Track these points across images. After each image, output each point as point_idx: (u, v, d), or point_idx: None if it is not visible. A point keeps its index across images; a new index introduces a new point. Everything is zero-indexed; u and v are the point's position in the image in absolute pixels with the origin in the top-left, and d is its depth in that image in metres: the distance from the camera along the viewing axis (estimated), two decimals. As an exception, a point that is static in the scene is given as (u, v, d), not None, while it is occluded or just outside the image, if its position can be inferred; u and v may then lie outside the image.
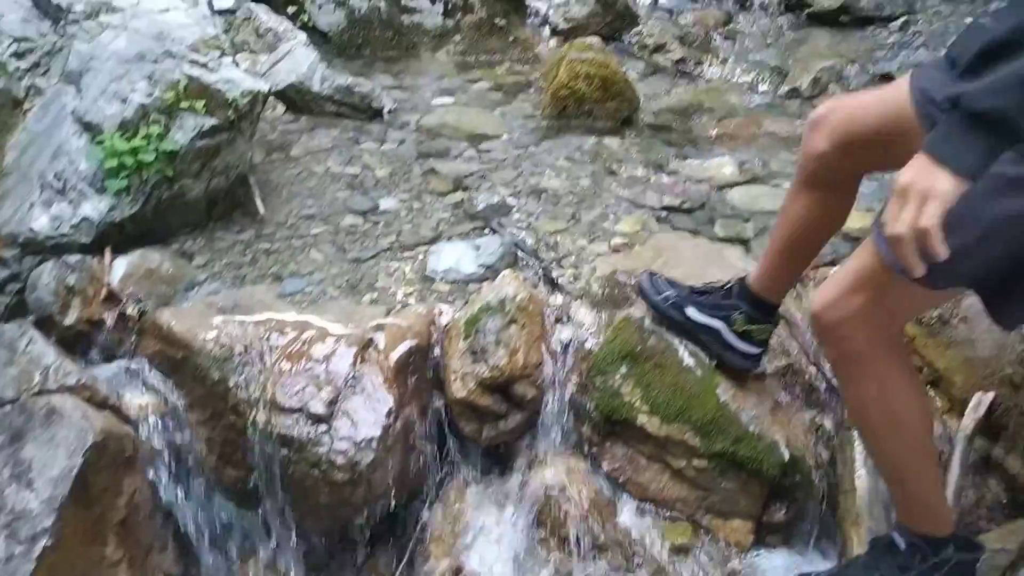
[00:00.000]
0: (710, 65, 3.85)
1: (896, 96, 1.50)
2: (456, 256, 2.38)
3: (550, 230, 2.58)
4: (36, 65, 2.55)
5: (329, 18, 3.91)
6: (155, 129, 2.29)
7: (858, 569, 1.75)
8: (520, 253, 2.44)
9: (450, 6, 4.00)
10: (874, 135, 1.54)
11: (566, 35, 4.10)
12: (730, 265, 2.38)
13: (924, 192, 1.16)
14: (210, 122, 2.37)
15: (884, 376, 1.54)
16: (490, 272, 2.33)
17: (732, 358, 1.99)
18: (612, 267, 2.37)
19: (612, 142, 3.16)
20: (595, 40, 3.48)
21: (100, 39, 2.50)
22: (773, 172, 2.95)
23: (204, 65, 2.45)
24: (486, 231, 2.56)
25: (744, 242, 2.56)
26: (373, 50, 3.94)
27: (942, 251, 1.17)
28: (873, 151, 1.58)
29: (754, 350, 1.99)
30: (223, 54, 2.54)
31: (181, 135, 2.33)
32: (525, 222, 2.63)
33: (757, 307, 1.93)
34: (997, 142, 1.15)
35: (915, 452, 1.61)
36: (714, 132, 3.27)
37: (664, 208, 2.71)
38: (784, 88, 3.64)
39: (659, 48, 3.94)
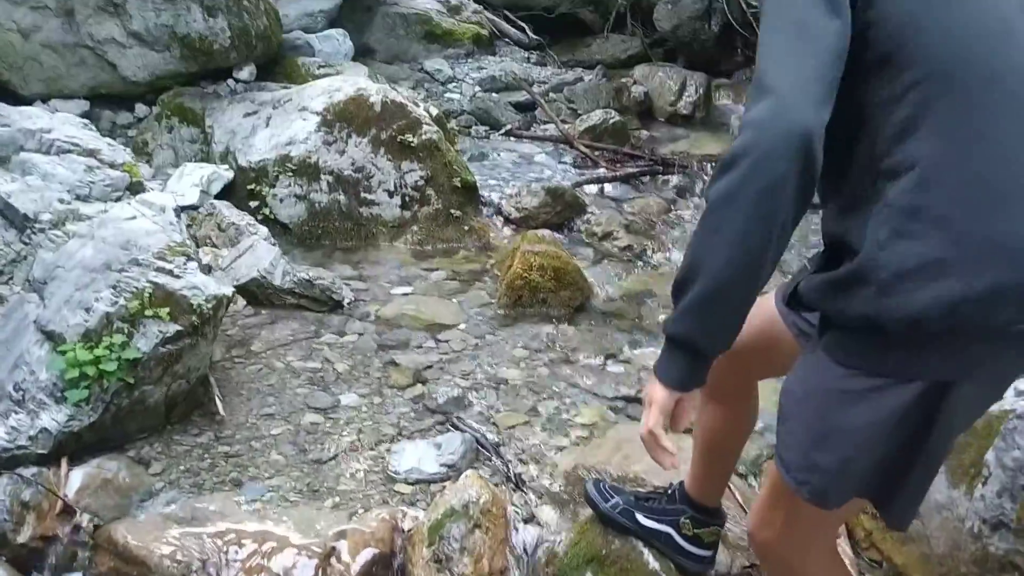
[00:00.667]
0: (656, 252, 4.04)
1: (769, 306, 1.60)
2: (418, 455, 2.40)
3: (510, 423, 2.62)
4: (0, 273, 2.59)
5: (290, 211, 4.04)
6: (118, 338, 2.31)
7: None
8: (481, 450, 2.46)
9: (407, 198, 4.17)
10: (754, 344, 1.58)
11: (518, 224, 4.30)
12: (688, 459, 2.42)
13: (648, 402, 1.40)
14: (174, 328, 2.40)
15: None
16: (453, 471, 2.34)
17: (686, 562, 1.98)
18: (574, 462, 2.41)
19: (567, 330, 3.26)
20: (546, 232, 3.66)
21: (66, 248, 2.56)
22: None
23: (170, 272, 2.51)
24: (447, 426, 2.59)
25: (700, 431, 2.61)
26: (332, 240, 4.06)
27: (666, 455, 1.41)
28: (758, 359, 1.66)
29: (706, 553, 1.99)
30: (188, 259, 2.61)
31: (144, 342, 2.36)
32: (485, 415, 2.67)
33: (699, 510, 1.96)
34: (693, 358, 1.33)
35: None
36: (663, 318, 3.39)
37: (620, 398, 2.78)
38: (727, 272, 3.81)
39: (607, 236, 4.13)
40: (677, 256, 4.00)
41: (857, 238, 1.25)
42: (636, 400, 2.77)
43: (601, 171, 4.91)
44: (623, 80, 6.31)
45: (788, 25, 1.22)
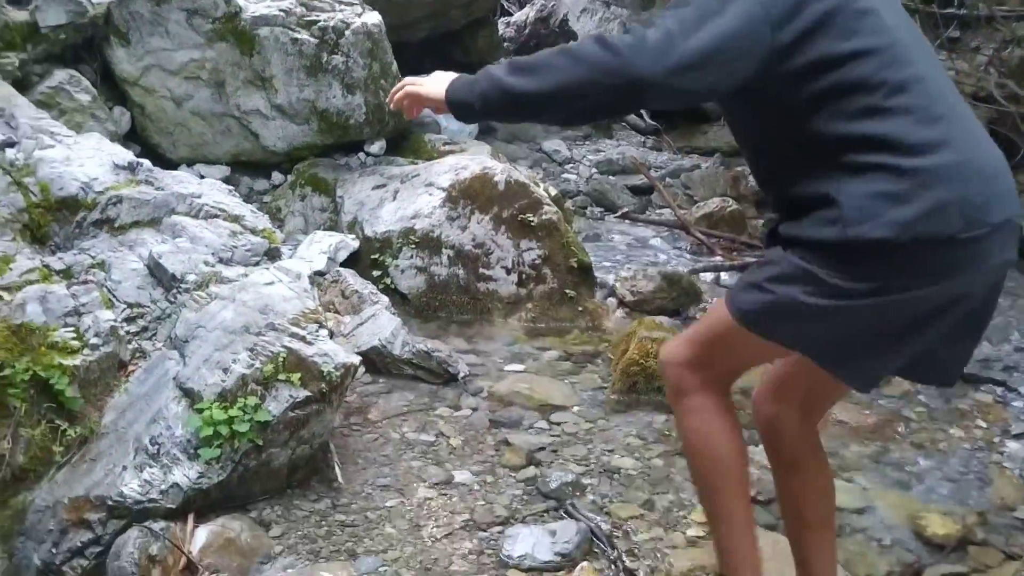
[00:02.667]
0: (774, 344, 3.94)
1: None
2: (532, 542, 2.36)
3: (624, 515, 2.56)
4: (144, 329, 2.72)
5: (410, 282, 4.13)
6: (252, 400, 2.39)
7: None
8: (595, 540, 2.41)
9: (524, 276, 4.22)
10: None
11: (632, 307, 4.28)
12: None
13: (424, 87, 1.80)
14: (303, 394, 2.47)
15: (705, 413, 1.84)
16: (566, 561, 2.30)
17: None
18: (690, 562, 2.34)
19: (682, 421, 3.20)
20: (664, 319, 3.62)
21: (208, 308, 2.67)
22: (848, 464, 2.94)
23: (303, 338, 2.60)
24: (560, 513, 2.55)
25: (824, 540, 2.50)
26: (449, 313, 4.12)
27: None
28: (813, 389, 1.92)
29: None
30: (320, 326, 2.69)
31: (275, 406, 2.43)
32: (599, 504, 2.62)
33: None
34: (469, 110, 1.72)
35: (727, 490, 1.86)
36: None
37: (739, 498, 2.68)
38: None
39: (724, 325, 4.06)
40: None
41: (823, 191, 1.55)
42: (757, 501, 2.67)
43: (717, 259, 4.87)
44: (739, 168, 6.28)
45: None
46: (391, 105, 1.91)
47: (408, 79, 1.90)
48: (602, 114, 1.71)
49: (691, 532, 2.50)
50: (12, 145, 3.01)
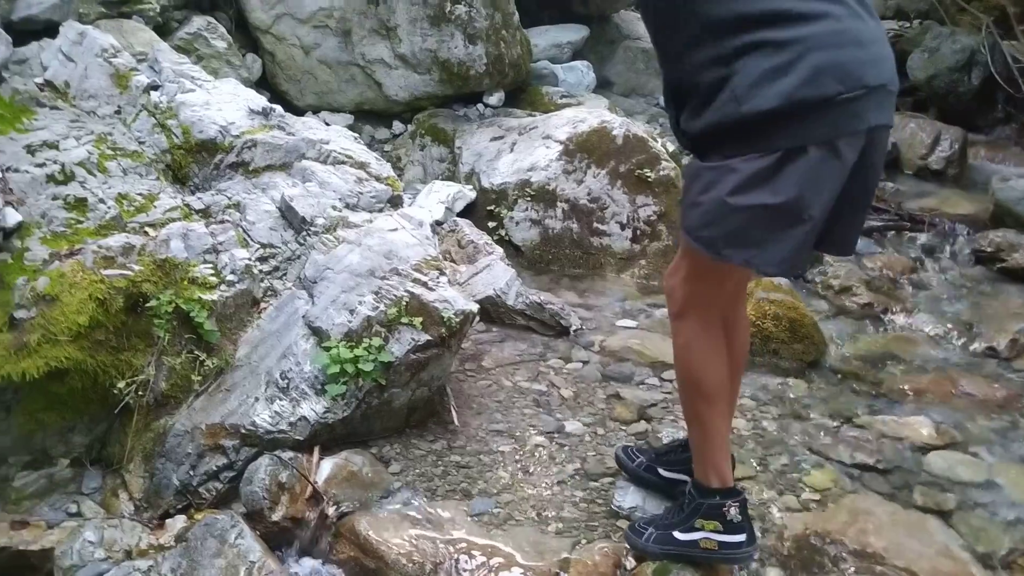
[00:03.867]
0: (897, 313, 3.80)
1: None
2: (643, 495, 2.38)
3: (737, 475, 2.54)
4: (276, 269, 2.84)
5: (524, 234, 4.16)
6: (376, 341, 2.47)
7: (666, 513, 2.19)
8: (706, 498, 2.40)
9: (638, 232, 4.19)
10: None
11: (749, 268, 4.19)
12: (932, 540, 2.28)
13: None
14: (424, 337, 2.54)
15: (694, 332, 2.00)
16: (677, 516, 2.30)
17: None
18: (804, 526, 2.31)
19: (798, 385, 3.14)
20: (783, 280, 3.53)
21: (335, 252, 2.77)
22: (973, 437, 2.83)
23: (424, 284, 2.66)
24: (671, 468, 2.55)
25: (944, 514, 2.44)
26: (561, 266, 4.14)
27: None
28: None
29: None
30: (441, 273, 2.75)
31: (398, 347, 2.51)
32: (710, 463, 2.61)
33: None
34: None
35: (709, 406, 2.03)
36: (906, 386, 3.19)
37: (856, 466, 2.64)
38: (977, 346, 3.53)
39: (844, 290, 3.95)
40: (922, 320, 3.75)
41: (722, 74, 1.70)
42: (875, 469, 2.62)
43: (840, 222, 4.69)
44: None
45: None
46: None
47: None
48: None
49: (805, 496, 2.47)
50: (156, 88, 3.17)
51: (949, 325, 3.70)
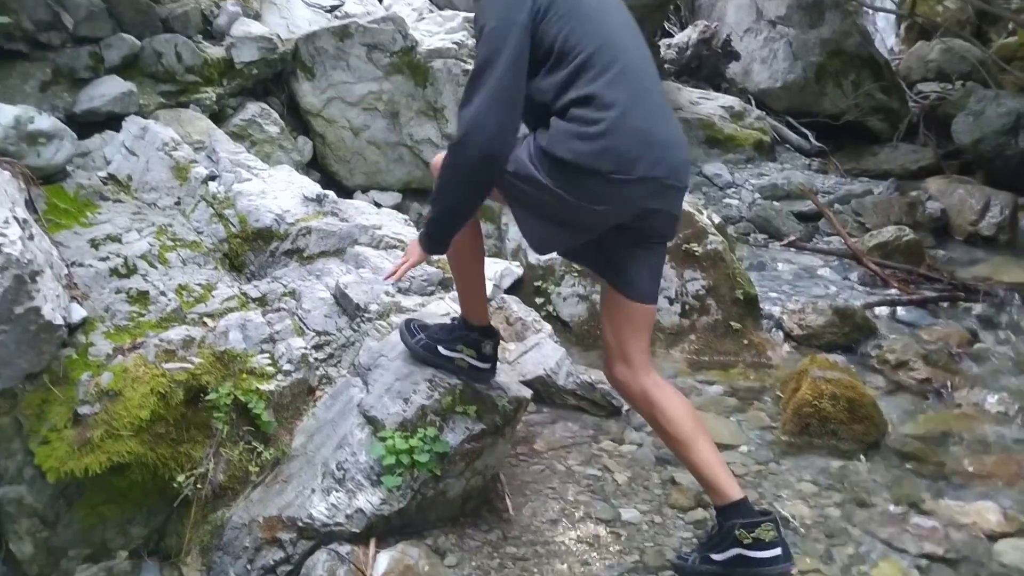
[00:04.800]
0: (957, 389, 3.71)
1: None
2: (705, 589, 2.32)
3: (801, 568, 2.48)
4: (330, 356, 2.86)
5: (572, 310, 4.16)
6: (431, 431, 2.47)
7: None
8: (770, 593, 2.34)
9: (687, 307, 4.17)
10: None
11: (800, 341, 4.16)
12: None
13: (409, 257, 2.49)
14: (479, 427, 2.53)
15: (653, 399, 2.39)
16: (741, 613, 2.24)
17: (476, 376, 2.62)
18: (873, 623, 2.23)
19: (859, 468, 3.06)
20: (839, 357, 3.48)
21: (389, 338, 2.79)
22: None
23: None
24: (732, 560, 2.49)
25: (1022, 610, 2.34)
26: (609, 342, 4.12)
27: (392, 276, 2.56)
28: None
29: (485, 365, 2.62)
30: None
31: (452, 437, 2.50)
32: (772, 554, 2.54)
33: (477, 331, 2.61)
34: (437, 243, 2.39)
35: (697, 443, 2.35)
36: (970, 467, 3.10)
37: (924, 556, 2.55)
38: (1045, 425, 3.43)
39: (901, 365, 3.87)
40: (983, 395, 3.65)
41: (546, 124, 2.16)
42: (943, 560, 2.54)
43: (893, 292, 4.64)
44: (914, 194, 5.98)
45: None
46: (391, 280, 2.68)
47: (401, 265, 2.50)
48: (488, 189, 2.25)
49: (873, 590, 2.39)
50: (214, 178, 3.25)
51: (1011, 401, 3.60)
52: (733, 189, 6.28)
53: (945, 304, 4.54)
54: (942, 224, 5.67)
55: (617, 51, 2.16)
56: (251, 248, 3.10)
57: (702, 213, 4.54)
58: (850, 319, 4.15)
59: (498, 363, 2.68)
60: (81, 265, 2.70)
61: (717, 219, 4.79)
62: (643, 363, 2.39)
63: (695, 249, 4.23)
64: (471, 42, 4.90)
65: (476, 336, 2.59)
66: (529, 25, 2.13)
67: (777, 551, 2.22)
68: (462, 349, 2.58)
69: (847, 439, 3.20)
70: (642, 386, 2.38)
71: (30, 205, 2.73)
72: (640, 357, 2.39)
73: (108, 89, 3.84)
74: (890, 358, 3.91)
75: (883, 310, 4.47)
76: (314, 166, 4.86)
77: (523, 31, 2.12)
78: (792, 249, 5.34)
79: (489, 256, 4.54)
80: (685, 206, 4.41)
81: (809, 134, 7.47)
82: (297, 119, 4.87)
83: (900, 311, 4.48)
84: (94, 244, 2.80)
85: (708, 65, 7.78)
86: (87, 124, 3.75)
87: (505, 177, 2.19)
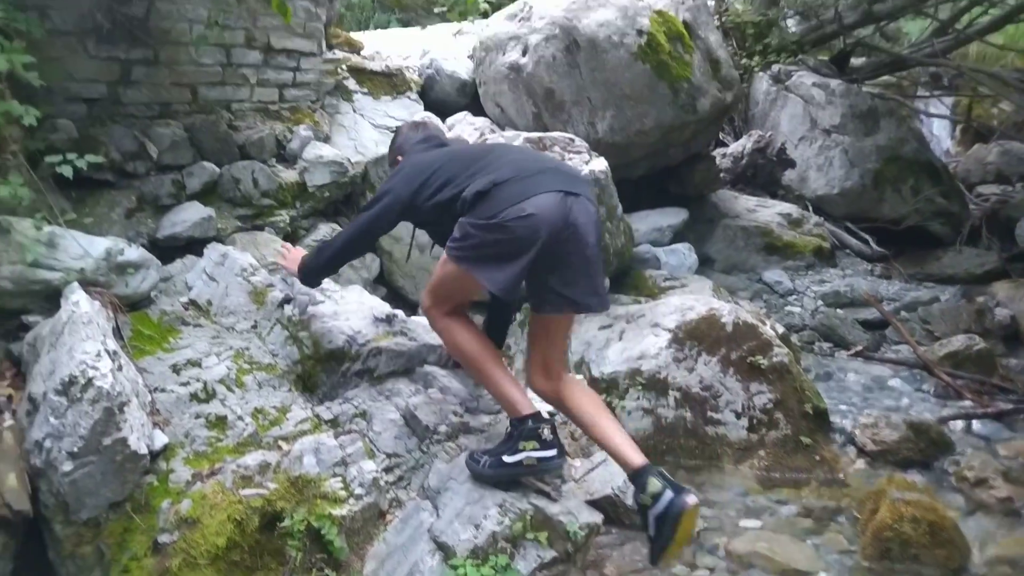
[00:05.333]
0: (1043, 509, 3.56)
1: None
2: None
3: None
4: (400, 479, 2.88)
5: (637, 424, 4.12)
6: (502, 559, 2.46)
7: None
8: None
9: (754, 421, 4.10)
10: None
11: (873, 457, 4.04)
12: None
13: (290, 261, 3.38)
14: (550, 554, 2.51)
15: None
16: None
17: (547, 467, 2.75)
18: None
19: (945, 597, 2.94)
20: (918, 478, 3.38)
21: (458, 461, 2.80)
22: None
23: (547, 495, 2.65)
24: None
25: None
26: (676, 457, 4.06)
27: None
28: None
29: (551, 452, 2.72)
30: (564, 482, 2.75)
31: (523, 565, 2.48)
32: None
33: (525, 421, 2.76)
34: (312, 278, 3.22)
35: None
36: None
37: None
38: None
39: (981, 483, 3.73)
40: (1072, 517, 3.49)
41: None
42: None
43: (967, 403, 4.51)
44: (981, 299, 5.87)
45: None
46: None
47: (285, 255, 3.41)
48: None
49: None
50: (289, 301, 3.36)
51: (1106, 523, 3.44)
52: (795, 296, 6.24)
53: (1022, 416, 4.39)
54: (1012, 331, 5.53)
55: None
56: (324, 369, 3.18)
57: (765, 324, 4.52)
58: (925, 434, 4.04)
59: (562, 446, 2.83)
60: (163, 391, 2.80)
61: (780, 329, 4.76)
62: (558, 372, 2.88)
63: (760, 361, 4.19)
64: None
65: (530, 426, 2.71)
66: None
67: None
68: (524, 446, 2.69)
69: (930, 564, 3.08)
70: (555, 389, 2.84)
71: (117, 333, 2.85)
72: (557, 367, 2.89)
73: (189, 215, 4.03)
74: (969, 475, 3.77)
75: (957, 423, 4.34)
76: (381, 282, 4.99)
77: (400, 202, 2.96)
78: (860, 359, 5.25)
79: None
80: (748, 318, 4.40)
81: (870, 239, 7.42)
82: (366, 238, 5.02)
83: (975, 424, 4.34)
84: (175, 369, 2.90)
85: (764, 173, 7.84)
86: (168, 248, 3.94)
87: (451, 253, 2.74)
